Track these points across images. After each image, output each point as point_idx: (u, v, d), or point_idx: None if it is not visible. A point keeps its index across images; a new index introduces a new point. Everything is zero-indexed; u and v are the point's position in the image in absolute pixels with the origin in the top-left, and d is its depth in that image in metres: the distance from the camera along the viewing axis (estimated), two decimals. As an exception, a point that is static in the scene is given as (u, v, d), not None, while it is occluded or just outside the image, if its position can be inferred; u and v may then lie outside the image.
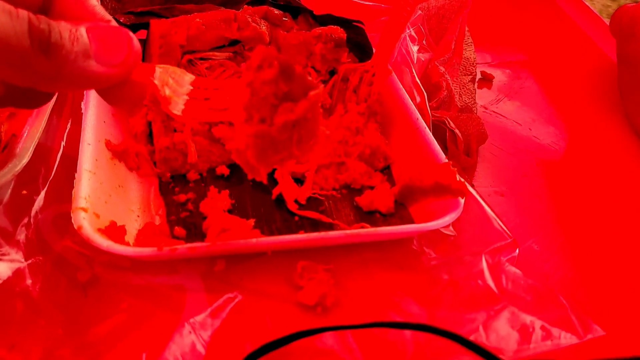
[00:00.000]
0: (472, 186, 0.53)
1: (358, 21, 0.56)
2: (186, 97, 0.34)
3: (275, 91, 0.31)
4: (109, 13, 0.56)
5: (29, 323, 0.38)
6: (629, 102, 0.67)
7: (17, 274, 0.41)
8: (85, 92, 0.51)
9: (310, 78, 0.32)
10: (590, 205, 0.55)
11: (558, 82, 0.75)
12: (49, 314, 0.39)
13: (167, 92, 0.33)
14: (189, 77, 0.35)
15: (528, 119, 0.67)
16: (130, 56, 0.31)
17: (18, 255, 0.42)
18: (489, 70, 0.74)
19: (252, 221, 0.44)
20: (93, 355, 0.37)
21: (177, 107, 0.34)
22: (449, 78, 0.58)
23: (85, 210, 0.40)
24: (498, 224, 0.49)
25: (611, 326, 0.43)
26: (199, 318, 0.40)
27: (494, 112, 0.67)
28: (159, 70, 0.34)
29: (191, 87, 0.35)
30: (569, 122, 0.67)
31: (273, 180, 0.51)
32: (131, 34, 0.32)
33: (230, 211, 0.47)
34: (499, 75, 0.74)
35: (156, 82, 0.33)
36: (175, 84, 0.34)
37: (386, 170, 0.54)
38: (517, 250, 0.47)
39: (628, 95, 0.67)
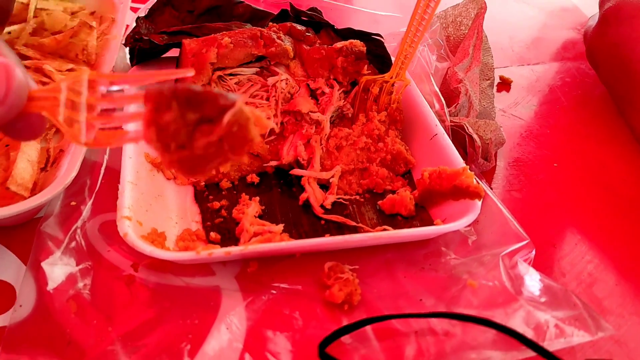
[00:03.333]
0: (491, 189, 0.55)
1: (377, 34, 0.59)
2: (84, 117, 0.30)
3: (185, 122, 0.28)
4: (143, 34, 0.60)
5: (82, 322, 0.42)
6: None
7: (70, 278, 0.45)
8: (125, 107, 0.55)
9: (222, 97, 0.29)
10: (606, 206, 0.57)
11: (577, 84, 0.76)
12: (99, 314, 0.43)
13: (68, 115, 0.29)
14: (85, 80, 0.30)
15: (546, 122, 0.69)
16: (9, 95, 0.28)
17: (70, 261, 0.46)
18: (506, 74, 0.76)
19: (281, 226, 0.47)
20: (140, 350, 0.41)
21: (82, 134, 0.29)
22: (468, 84, 0.61)
23: (129, 218, 0.44)
24: (515, 225, 0.51)
25: (621, 324, 0.45)
26: (235, 316, 0.44)
27: (512, 115, 0.69)
28: (63, 93, 0.29)
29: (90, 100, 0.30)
30: (588, 124, 0.69)
31: (300, 187, 0.54)
32: (10, 66, 0.28)
33: (260, 217, 0.51)
34: (517, 79, 0.76)
35: (59, 113, 0.29)
36: (76, 97, 0.30)
37: (407, 175, 0.57)
38: (534, 251, 0.49)
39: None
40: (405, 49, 0.52)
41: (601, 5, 0.69)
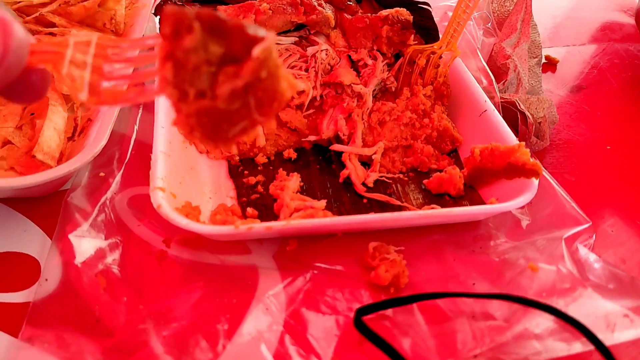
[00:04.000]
0: (545, 169, 0.52)
1: (424, 2, 0.56)
2: (89, 74, 0.26)
3: (207, 57, 0.24)
4: (176, 2, 0.57)
5: (111, 299, 0.39)
6: None
7: (99, 252, 0.42)
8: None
9: (251, 27, 0.24)
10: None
11: (626, 66, 0.72)
12: (130, 290, 0.40)
13: (76, 73, 0.26)
14: (94, 42, 0.27)
15: (596, 103, 0.65)
16: (7, 56, 0.24)
17: (98, 234, 0.43)
18: (552, 54, 0.72)
19: (323, 201, 0.44)
20: (174, 329, 0.38)
21: (84, 88, 0.26)
22: (516, 60, 0.57)
23: (163, 190, 0.41)
24: (574, 208, 0.47)
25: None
26: (274, 297, 0.41)
27: (559, 95, 0.66)
28: (70, 49, 0.26)
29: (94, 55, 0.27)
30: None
31: (340, 164, 0.51)
32: (8, 22, 0.24)
33: (299, 193, 0.48)
34: (563, 59, 0.72)
35: (64, 66, 0.26)
36: (82, 56, 0.26)
37: (453, 153, 0.53)
38: (594, 236, 0.46)
39: None
40: (459, 14, 0.48)
41: None
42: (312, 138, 0.52)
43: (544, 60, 0.70)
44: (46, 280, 0.40)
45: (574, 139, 0.59)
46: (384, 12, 0.53)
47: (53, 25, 0.57)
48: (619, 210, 0.51)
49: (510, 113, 0.55)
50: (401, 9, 0.53)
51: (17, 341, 0.37)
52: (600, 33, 0.79)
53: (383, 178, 0.50)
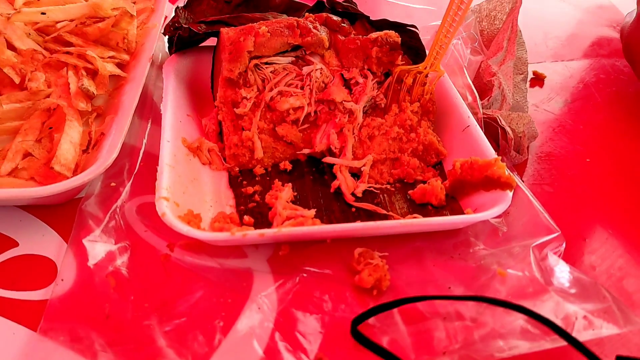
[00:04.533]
0: (522, 182, 0.55)
1: (412, 25, 0.60)
2: None
3: None
4: (183, 23, 0.62)
5: (120, 297, 0.44)
6: None
7: (109, 255, 0.47)
8: (163, 95, 0.57)
9: None
10: (639, 201, 0.57)
11: (611, 81, 0.75)
12: (136, 290, 0.45)
13: None
14: None
15: (580, 118, 0.68)
16: None
17: (109, 239, 0.48)
18: (540, 70, 0.75)
19: (313, 211, 0.48)
20: (175, 325, 0.42)
21: None
22: (501, 77, 0.61)
23: (167, 199, 0.46)
24: (545, 218, 0.51)
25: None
26: (266, 297, 0.45)
27: (545, 110, 0.69)
28: None
29: None
30: (622, 121, 0.68)
31: (331, 175, 0.55)
32: None
33: (293, 202, 0.52)
34: (550, 75, 0.75)
35: None
36: None
37: (438, 165, 0.57)
38: (564, 244, 0.49)
39: None
40: (441, 39, 0.52)
41: (639, 1, 0.69)
42: (306, 151, 0.56)
43: (531, 76, 0.74)
44: (62, 280, 0.45)
45: (556, 151, 0.63)
46: (374, 35, 0.57)
47: (70, 44, 0.62)
48: (594, 219, 0.55)
49: (493, 128, 0.58)
50: (390, 31, 0.57)
51: (36, 334, 0.41)
52: (589, 49, 0.82)
53: (371, 188, 0.54)
